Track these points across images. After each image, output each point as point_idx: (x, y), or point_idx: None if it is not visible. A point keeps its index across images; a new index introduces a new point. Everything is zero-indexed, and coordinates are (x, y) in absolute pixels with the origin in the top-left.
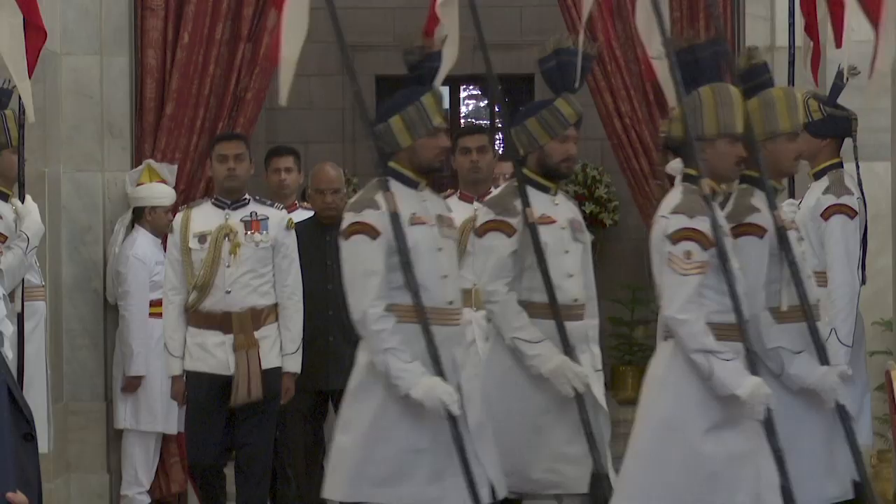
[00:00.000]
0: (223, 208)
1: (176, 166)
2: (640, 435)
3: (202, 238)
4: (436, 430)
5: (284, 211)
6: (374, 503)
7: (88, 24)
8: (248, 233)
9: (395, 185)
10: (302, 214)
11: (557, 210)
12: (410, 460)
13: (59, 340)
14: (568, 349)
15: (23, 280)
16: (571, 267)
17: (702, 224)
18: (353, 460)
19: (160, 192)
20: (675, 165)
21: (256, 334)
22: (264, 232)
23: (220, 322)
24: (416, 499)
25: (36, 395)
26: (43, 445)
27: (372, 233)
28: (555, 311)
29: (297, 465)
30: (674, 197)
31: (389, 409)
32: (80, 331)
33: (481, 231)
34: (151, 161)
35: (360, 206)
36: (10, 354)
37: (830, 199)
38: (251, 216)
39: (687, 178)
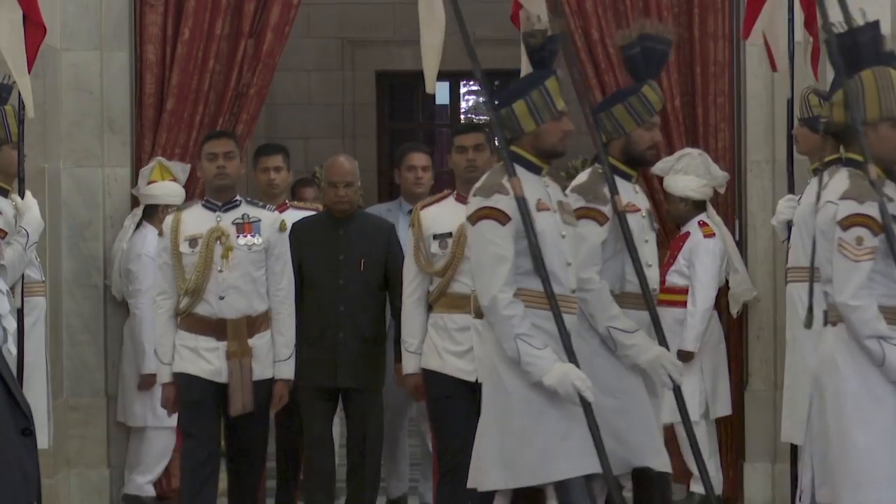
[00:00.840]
0: (214, 210)
1: (189, 165)
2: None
3: (193, 241)
4: (572, 410)
5: (277, 212)
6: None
7: (88, 19)
8: (240, 235)
9: (519, 171)
10: (293, 215)
11: (638, 198)
12: (557, 440)
13: (58, 336)
14: (662, 339)
15: (23, 276)
16: (650, 256)
17: (871, 209)
18: (501, 448)
19: (172, 191)
20: (662, 166)
21: (250, 342)
22: (257, 234)
23: (215, 328)
24: (572, 471)
25: (36, 391)
26: (43, 441)
27: (502, 218)
28: (647, 300)
29: (308, 464)
30: (841, 182)
31: (525, 394)
32: (79, 326)
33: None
34: (162, 159)
35: (489, 191)
36: (13, 350)
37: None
38: (243, 218)
39: (852, 162)
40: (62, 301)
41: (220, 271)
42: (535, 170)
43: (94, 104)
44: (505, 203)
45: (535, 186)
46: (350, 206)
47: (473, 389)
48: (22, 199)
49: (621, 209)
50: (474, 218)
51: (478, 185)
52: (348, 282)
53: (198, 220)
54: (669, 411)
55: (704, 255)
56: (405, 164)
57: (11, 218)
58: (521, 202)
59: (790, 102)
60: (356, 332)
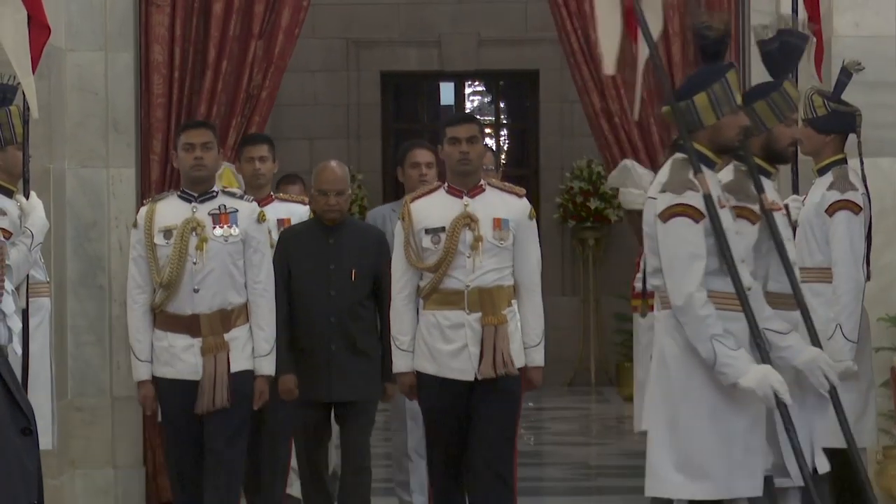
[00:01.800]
0: (190, 201)
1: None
2: None
3: (167, 233)
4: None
5: (255, 203)
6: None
7: (93, 19)
8: (217, 226)
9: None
10: (278, 207)
11: (776, 196)
12: (740, 446)
13: (63, 337)
14: (814, 340)
15: (27, 276)
16: (793, 255)
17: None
18: (681, 455)
19: None
20: (614, 179)
21: (226, 336)
22: (234, 225)
23: (188, 325)
24: (754, 486)
25: (40, 392)
26: (47, 442)
27: (696, 215)
28: (799, 300)
29: (304, 484)
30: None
31: (712, 396)
32: (84, 327)
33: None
34: (230, 165)
35: (680, 188)
36: (19, 351)
37: (835, 195)
38: (220, 209)
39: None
40: (67, 302)
41: (195, 263)
42: (710, 165)
43: (99, 105)
44: (697, 200)
45: (713, 182)
46: (341, 214)
47: (470, 388)
48: (27, 199)
49: (767, 207)
50: (666, 215)
51: (665, 180)
52: (339, 293)
53: (173, 211)
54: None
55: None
56: (409, 162)
57: (16, 218)
58: (709, 199)
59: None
60: (349, 345)
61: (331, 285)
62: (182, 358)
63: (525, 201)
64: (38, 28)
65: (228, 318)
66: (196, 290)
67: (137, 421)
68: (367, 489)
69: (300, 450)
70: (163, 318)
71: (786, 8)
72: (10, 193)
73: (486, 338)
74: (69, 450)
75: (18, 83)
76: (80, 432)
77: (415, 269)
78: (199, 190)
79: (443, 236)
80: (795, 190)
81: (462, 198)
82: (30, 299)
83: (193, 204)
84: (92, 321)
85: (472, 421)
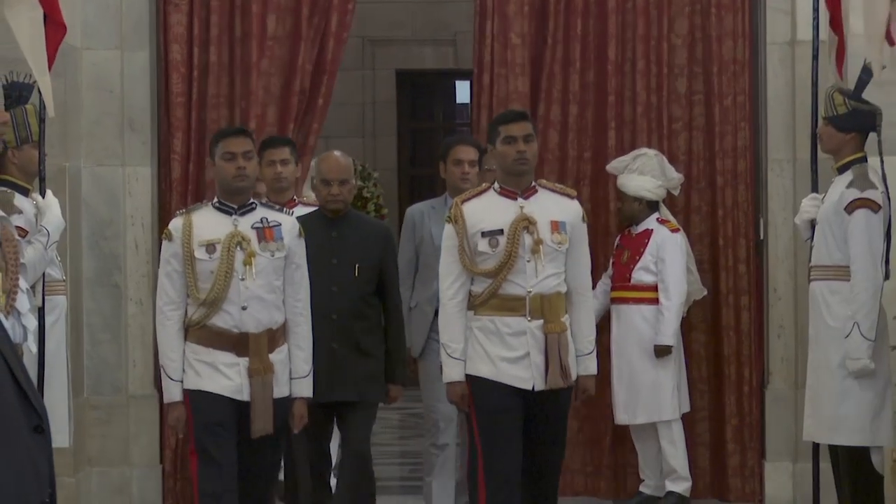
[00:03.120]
0: (230, 214)
1: None
2: None
3: (210, 247)
4: None
5: (294, 217)
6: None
7: (108, 18)
8: (262, 241)
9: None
10: (302, 212)
11: None
12: None
13: (79, 335)
14: None
15: (43, 274)
16: None
17: None
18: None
19: None
20: (616, 165)
21: (270, 357)
22: (279, 240)
23: (236, 343)
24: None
25: (56, 390)
26: (63, 440)
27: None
28: None
29: (304, 487)
30: None
31: None
32: (100, 325)
33: None
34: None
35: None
36: (34, 349)
37: (854, 193)
38: (262, 223)
39: None
40: (83, 300)
41: (243, 279)
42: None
43: (115, 103)
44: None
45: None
46: (344, 205)
47: (525, 399)
48: (43, 197)
49: None
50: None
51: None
52: (343, 288)
53: (212, 223)
54: (646, 411)
55: (673, 250)
56: (451, 158)
57: (32, 217)
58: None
59: (814, 101)
60: (349, 342)
61: (333, 280)
62: (227, 374)
63: (577, 203)
64: (54, 26)
65: (274, 337)
66: (244, 308)
67: (153, 419)
68: (367, 477)
69: (300, 448)
70: (206, 334)
71: (802, 7)
72: (26, 192)
73: (550, 347)
74: (85, 448)
75: (34, 81)
76: (96, 430)
77: (468, 274)
78: (238, 201)
79: (501, 239)
80: (814, 188)
81: (516, 199)
82: (46, 297)
83: (234, 217)
84: (107, 319)
85: (527, 430)
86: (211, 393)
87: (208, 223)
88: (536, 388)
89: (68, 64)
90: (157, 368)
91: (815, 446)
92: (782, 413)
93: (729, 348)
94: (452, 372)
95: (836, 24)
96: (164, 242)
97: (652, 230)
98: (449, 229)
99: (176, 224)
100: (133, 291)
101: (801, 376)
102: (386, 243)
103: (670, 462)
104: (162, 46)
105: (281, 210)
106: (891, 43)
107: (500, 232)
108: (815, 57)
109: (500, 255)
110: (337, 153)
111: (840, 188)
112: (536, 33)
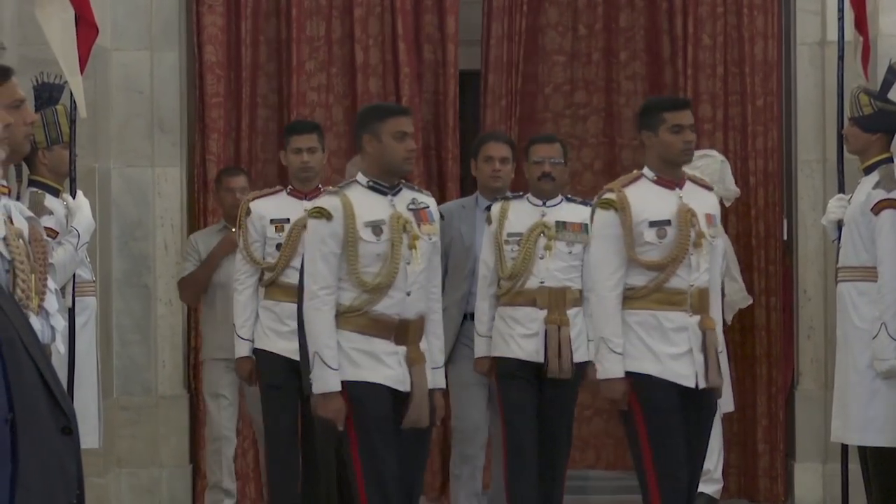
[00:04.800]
0: (385, 194)
1: None
2: None
3: (376, 228)
4: None
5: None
6: None
7: (138, 19)
8: (421, 224)
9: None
10: None
11: None
12: None
13: (108, 336)
14: None
15: (74, 276)
16: None
17: None
18: None
19: None
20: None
21: (420, 346)
22: (433, 222)
23: (395, 331)
24: None
25: (86, 391)
26: (93, 441)
27: None
28: None
29: (330, 491)
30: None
31: None
32: (130, 326)
33: None
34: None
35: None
36: (62, 349)
37: (881, 194)
38: (415, 204)
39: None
40: (112, 301)
41: (408, 264)
42: None
43: (144, 104)
44: None
45: None
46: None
47: (683, 394)
48: (73, 198)
49: None
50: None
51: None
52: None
53: (371, 203)
54: None
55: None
56: (482, 155)
57: (63, 217)
58: None
59: (840, 101)
60: None
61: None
62: (388, 364)
63: (714, 195)
64: (87, 27)
65: (423, 325)
66: (408, 294)
67: (183, 419)
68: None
69: (329, 449)
70: (364, 321)
71: (832, 7)
72: (56, 193)
73: (709, 344)
74: (115, 449)
75: (65, 82)
76: (126, 431)
77: (626, 265)
78: (391, 181)
79: (668, 230)
80: (841, 189)
81: (674, 189)
82: (76, 298)
83: (389, 197)
84: (137, 320)
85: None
86: (374, 384)
87: (369, 203)
88: (700, 386)
89: (98, 65)
90: (188, 369)
91: (844, 447)
92: (812, 414)
93: (760, 349)
94: (614, 368)
95: (861, 24)
96: (316, 222)
97: None
98: (608, 216)
99: (333, 203)
100: (162, 292)
101: (830, 377)
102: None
103: (706, 462)
104: (195, 47)
105: (420, 191)
106: None
107: (668, 223)
108: (841, 57)
109: (667, 246)
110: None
111: (867, 189)
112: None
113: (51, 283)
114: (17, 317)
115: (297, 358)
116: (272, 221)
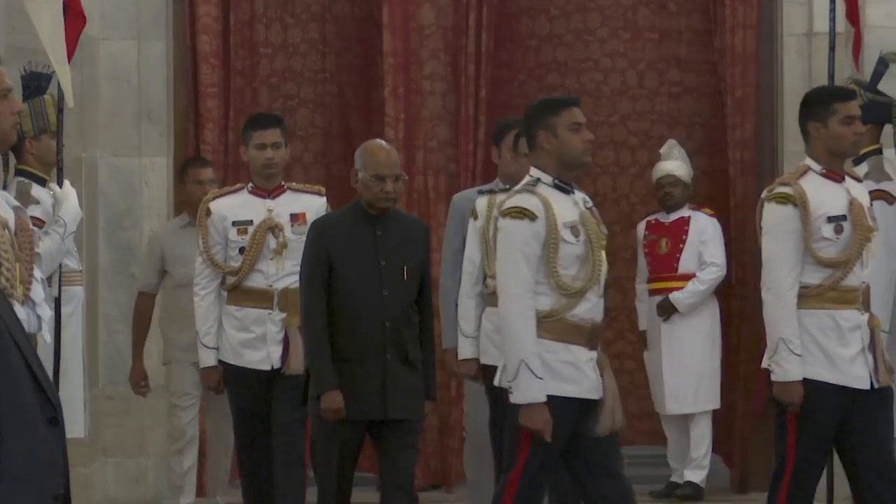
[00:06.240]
0: (569, 193)
1: None
2: None
3: (574, 229)
4: None
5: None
6: None
7: (126, 8)
8: (599, 224)
9: None
10: (292, 200)
11: None
12: None
13: (95, 325)
14: None
15: (60, 265)
16: None
17: None
18: None
19: None
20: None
21: None
22: (601, 222)
23: (588, 336)
24: None
25: (72, 381)
26: (79, 430)
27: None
28: None
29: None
30: None
31: None
32: (116, 315)
33: None
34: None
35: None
36: (48, 339)
37: (870, 185)
38: (586, 203)
39: None
40: (99, 290)
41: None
42: None
43: (132, 94)
44: None
45: None
46: (394, 203)
47: (852, 397)
48: (60, 188)
49: None
50: None
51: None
52: (392, 293)
53: (562, 203)
54: (701, 400)
55: (715, 234)
56: (506, 143)
57: (49, 207)
58: None
59: None
60: (400, 354)
61: (384, 284)
62: (587, 373)
63: (865, 186)
64: (74, 17)
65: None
66: (601, 297)
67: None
68: None
69: (330, 468)
70: (561, 328)
71: None
72: (43, 182)
73: (877, 341)
74: (101, 438)
75: (53, 72)
76: (112, 421)
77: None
78: (568, 178)
79: (845, 226)
80: None
81: (842, 182)
82: (62, 288)
83: (572, 195)
84: (124, 310)
85: (855, 433)
86: (576, 399)
87: (558, 203)
88: (875, 387)
89: (85, 54)
90: None
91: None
92: None
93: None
94: (795, 370)
95: (852, 15)
96: (518, 222)
97: (689, 217)
98: (787, 211)
99: (533, 202)
100: None
101: None
102: (427, 243)
103: (695, 452)
104: (188, 37)
105: (580, 188)
106: None
107: (844, 217)
108: (832, 48)
109: (844, 242)
110: (386, 144)
111: None
112: None
113: (37, 273)
114: (1, 306)
115: (265, 368)
116: (234, 224)
